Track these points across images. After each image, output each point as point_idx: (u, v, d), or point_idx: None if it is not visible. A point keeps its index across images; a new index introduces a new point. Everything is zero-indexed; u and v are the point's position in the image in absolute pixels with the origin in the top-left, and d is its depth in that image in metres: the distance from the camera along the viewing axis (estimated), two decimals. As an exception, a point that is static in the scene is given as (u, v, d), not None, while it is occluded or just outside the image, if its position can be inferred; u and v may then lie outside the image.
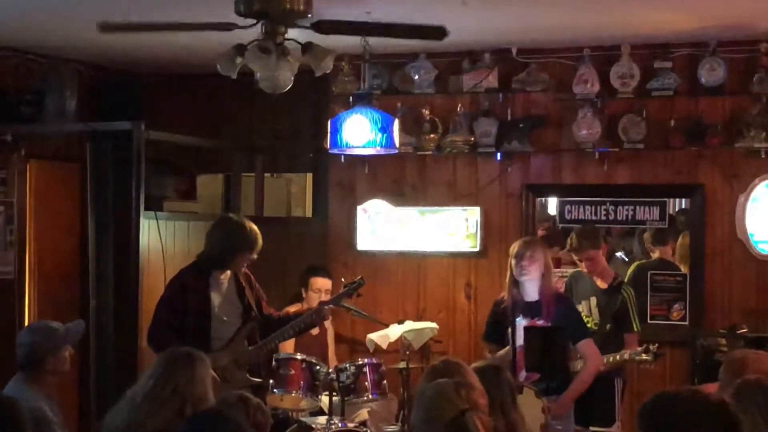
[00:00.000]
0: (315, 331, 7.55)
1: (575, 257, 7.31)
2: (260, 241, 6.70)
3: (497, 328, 6.71)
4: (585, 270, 7.24)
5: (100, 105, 8.75)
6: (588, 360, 6.44)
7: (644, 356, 6.67)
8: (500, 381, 4.60)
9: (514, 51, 8.19)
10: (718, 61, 7.77)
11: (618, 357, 6.78)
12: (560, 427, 6.25)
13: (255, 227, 6.72)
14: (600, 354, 6.60)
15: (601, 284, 7.21)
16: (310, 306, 7.58)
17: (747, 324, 7.56)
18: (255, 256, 6.75)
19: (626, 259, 8.86)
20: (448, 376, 4.18)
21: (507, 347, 6.50)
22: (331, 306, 7.04)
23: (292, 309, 7.70)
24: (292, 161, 9.32)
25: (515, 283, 6.52)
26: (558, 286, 7.44)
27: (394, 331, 7.67)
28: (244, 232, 6.66)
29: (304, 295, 7.95)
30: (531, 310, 6.45)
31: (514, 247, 6.59)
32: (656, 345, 6.70)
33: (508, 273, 6.58)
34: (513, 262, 6.52)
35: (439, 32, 5.47)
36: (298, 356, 6.96)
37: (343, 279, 7.41)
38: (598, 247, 7.22)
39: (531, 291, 6.50)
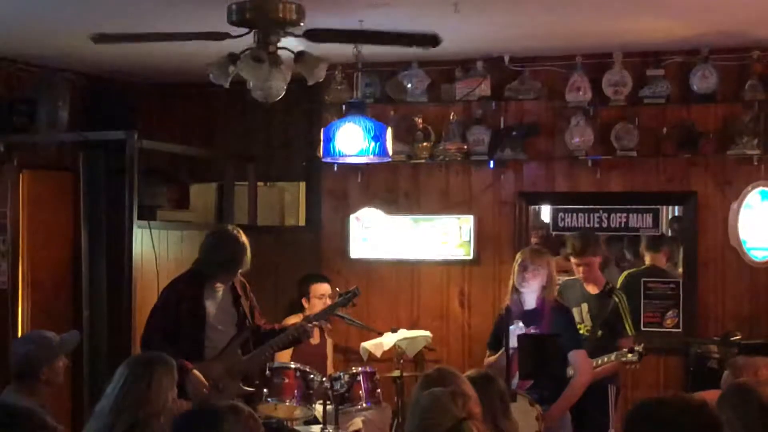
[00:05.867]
0: (315, 341, 7.54)
1: (573, 261, 7.29)
2: (244, 259, 6.65)
3: (499, 335, 6.70)
4: (580, 275, 7.23)
5: (92, 114, 8.73)
6: (577, 372, 6.41)
7: (629, 356, 6.69)
8: (492, 389, 4.60)
9: (506, 59, 8.20)
10: (710, 68, 7.78)
11: (606, 359, 6.78)
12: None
13: (245, 244, 6.66)
14: (591, 367, 6.59)
15: (593, 290, 7.21)
16: (313, 313, 7.61)
17: (741, 331, 7.56)
18: (236, 274, 6.74)
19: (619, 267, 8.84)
20: (443, 384, 4.17)
21: (499, 353, 6.50)
22: (315, 323, 7.01)
23: (292, 320, 7.69)
24: (285, 170, 9.32)
25: (516, 290, 6.52)
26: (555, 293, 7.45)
27: (387, 340, 7.67)
28: (228, 248, 6.64)
29: (306, 304, 7.96)
30: (529, 318, 6.43)
31: (520, 256, 6.57)
32: (641, 345, 6.70)
33: (511, 279, 6.58)
34: (516, 269, 6.51)
35: (432, 40, 5.47)
36: (292, 365, 6.94)
37: (338, 289, 7.41)
38: (599, 255, 7.26)
39: (530, 300, 6.49)
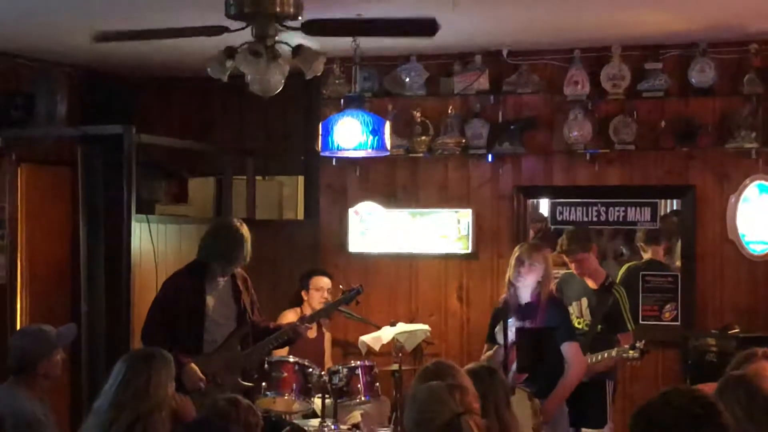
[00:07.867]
0: (312, 334, 7.56)
1: (565, 259, 7.31)
2: (244, 250, 6.66)
3: (495, 329, 6.70)
4: (575, 272, 7.23)
5: (90, 109, 8.73)
6: (571, 364, 6.41)
7: (631, 353, 6.67)
8: (495, 383, 4.59)
9: (504, 53, 8.20)
10: (708, 62, 7.78)
11: (606, 355, 6.77)
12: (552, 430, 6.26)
13: (245, 235, 6.66)
14: (584, 359, 6.58)
15: (592, 285, 7.20)
16: (312, 306, 7.62)
17: (739, 324, 7.56)
18: (236, 266, 6.74)
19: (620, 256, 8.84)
20: (441, 378, 4.17)
21: (495, 347, 6.50)
22: (308, 325, 7.02)
23: (289, 315, 7.71)
24: (284, 164, 9.32)
25: (511, 284, 6.53)
26: (551, 288, 7.45)
27: (386, 334, 7.66)
28: (228, 239, 6.65)
29: (305, 297, 7.97)
30: (524, 312, 6.45)
31: (517, 251, 6.59)
32: (643, 342, 6.69)
33: (508, 273, 6.59)
34: (512, 264, 6.53)
35: (429, 26, 5.44)
36: (291, 359, 6.96)
37: (341, 285, 7.40)
38: (588, 250, 7.20)
39: (525, 294, 6.50)
